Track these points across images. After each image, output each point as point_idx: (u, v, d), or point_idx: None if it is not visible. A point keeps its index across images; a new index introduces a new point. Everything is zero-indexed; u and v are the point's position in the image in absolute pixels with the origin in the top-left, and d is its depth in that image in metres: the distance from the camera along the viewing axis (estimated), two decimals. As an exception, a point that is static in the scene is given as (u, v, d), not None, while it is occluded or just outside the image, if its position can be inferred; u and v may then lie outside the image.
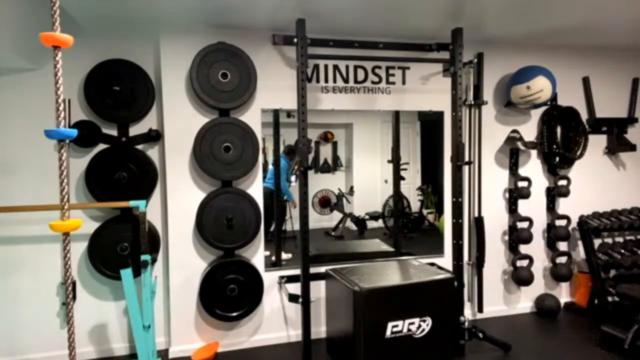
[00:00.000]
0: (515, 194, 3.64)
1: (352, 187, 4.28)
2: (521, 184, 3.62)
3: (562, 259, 3.69)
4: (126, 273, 2.50)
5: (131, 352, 3.07)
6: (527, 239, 3.54)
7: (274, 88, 3.14)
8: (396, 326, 2.59)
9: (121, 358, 3.04)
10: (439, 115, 3.53)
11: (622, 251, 3.65)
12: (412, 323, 2.63)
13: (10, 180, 2.86)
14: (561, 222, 3.70)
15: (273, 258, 3.45)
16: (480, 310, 3.55)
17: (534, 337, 3.27)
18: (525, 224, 3.59)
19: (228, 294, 2.95)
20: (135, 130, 3.01)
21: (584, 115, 3.80)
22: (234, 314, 2.99)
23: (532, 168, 3.74)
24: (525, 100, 3.39)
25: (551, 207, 3.78)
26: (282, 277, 3.22)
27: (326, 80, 3.25)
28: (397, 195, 3.84)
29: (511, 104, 3.55)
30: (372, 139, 4.02)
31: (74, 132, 1.54)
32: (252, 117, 3.09)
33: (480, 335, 3.00)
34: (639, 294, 3.16)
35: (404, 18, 2.94)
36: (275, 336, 3.24)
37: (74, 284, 2.91)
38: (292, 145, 3.90)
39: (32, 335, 2.94)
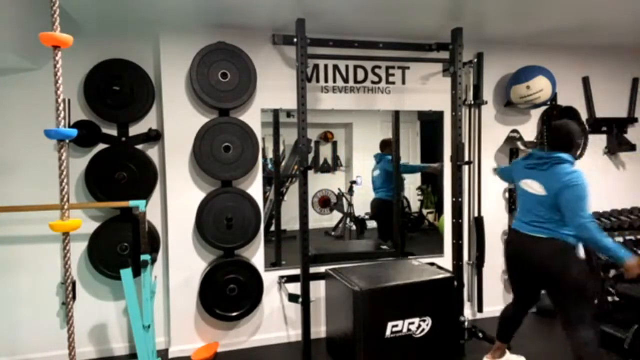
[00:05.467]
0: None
1: (352, 187, 4.28)
2: (521, 184, 3.62)
3: (562, 259, 3.68)
4: (126, 273, 2.50)
5: (131, 352, 3.07)
6: (527, 239, 3.53)
7: (274, 88, 3.13)
8: (396, 326, 2.59)
9: (121, 358, 3.04)
10: (439, 115, 3.52)
11: (622, 251, 3.64)
12: (412, 323, 2.63)
13: (10, 180, 2.86)
14: (561, 222, 3.70)
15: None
16: (480, 310, 3.55)
17: (534, 337, 3.27)
18: (525, 224, 3.58)
19: (228, 294, 2.95)
20: (135, 130, 3.01)
21: (584, 115, 3.80)
22: (234, 314, 2.99)
23: (532, 168, 3.73)
24: (525, 100, 3.39)
25: (551, 207, 3.77)
26: (282, 277, 3.22)
27: (326, 80, 3.25)
28: (397, 195, 3.84)
29: (511, 104, 3.55)
30: (372, 139, 4.01)
31: (74, 132, 1.53)
32: (252, 117, 3.09)
33: (480, 335, 3.01)
34: (639, 294, 3.16)
35: (404, 18, 2.94)
36: (275, 336, 3.24)
37: (74, 284, 2.90)
38: (387, 140, 3.70)
39: (32, 335, 2.94)
